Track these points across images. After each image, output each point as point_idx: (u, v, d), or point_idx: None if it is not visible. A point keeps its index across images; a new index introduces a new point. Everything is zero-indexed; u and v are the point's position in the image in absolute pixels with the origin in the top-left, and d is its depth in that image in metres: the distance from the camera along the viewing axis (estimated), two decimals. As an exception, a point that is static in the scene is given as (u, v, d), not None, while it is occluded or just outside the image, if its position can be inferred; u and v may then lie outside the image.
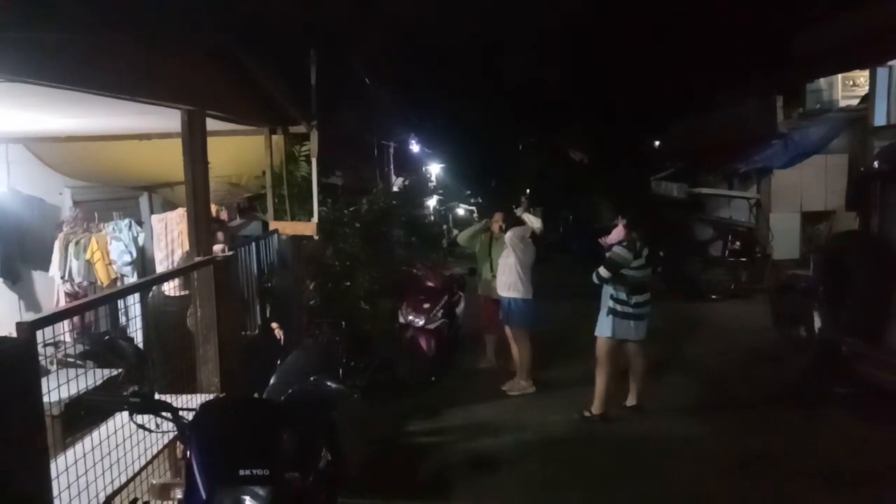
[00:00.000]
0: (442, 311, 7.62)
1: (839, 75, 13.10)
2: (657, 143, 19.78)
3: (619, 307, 5.96)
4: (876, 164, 6.57)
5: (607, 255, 6.03)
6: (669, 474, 5.00)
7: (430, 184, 20.05)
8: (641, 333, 6.07)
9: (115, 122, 5.33)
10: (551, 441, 5.74)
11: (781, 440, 5.58)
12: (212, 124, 4.88)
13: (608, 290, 6.03)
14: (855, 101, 12.93)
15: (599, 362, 6.10)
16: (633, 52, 15.14)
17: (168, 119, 4.61)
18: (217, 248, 4.99)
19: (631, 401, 6.28)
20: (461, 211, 26.34)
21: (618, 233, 6.11)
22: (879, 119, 11.33)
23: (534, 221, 7.15)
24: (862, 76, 12.74)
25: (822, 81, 13.38)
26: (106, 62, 3.54)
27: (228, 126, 5.99)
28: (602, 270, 5.94)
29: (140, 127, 5.85)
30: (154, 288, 5.70)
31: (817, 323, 6.89)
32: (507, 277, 6.90)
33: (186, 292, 4.87)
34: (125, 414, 3.01)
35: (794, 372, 7.14)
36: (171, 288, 5.86)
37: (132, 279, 6.62)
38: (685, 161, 15.63)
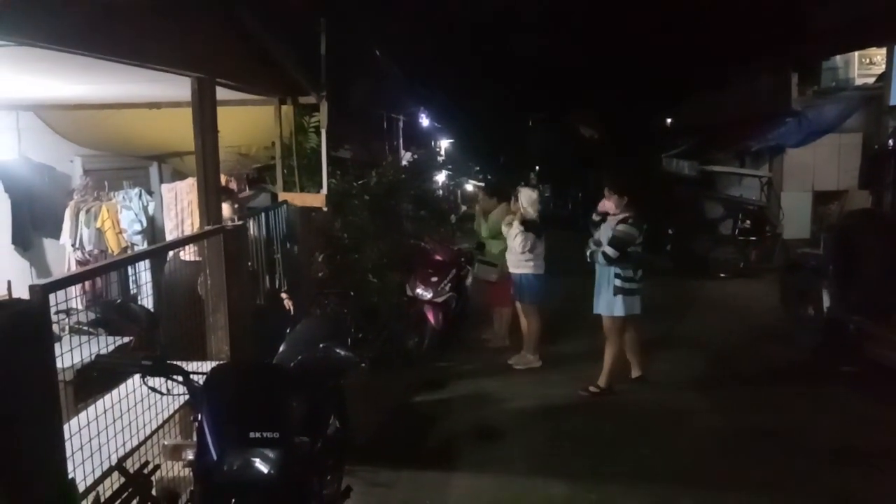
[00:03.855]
0: (450, 284, 7.63)
1: (856, 53, 12.91)
2: (669, 119, 19.60)
3: (626, 285, 5.86)
4: (891, 142, 6.51)
5: (612, 234, 5.84)
6: (675, 448, 5.04)
7: (440, 158, 19.97)
8: (640, 308, 6.03)
9: (125, 89, 5.32)
10: (557, 413, 5.78)
11: (787, 417, 5.60)
12: (222, 94, 4.86)
13: (611, 269, 5.90)
14: (871, 80, 12.77)
15: (610, 340, 6.07)
16: (647, 26, 14.94)
17: (178, 87, 4.60)
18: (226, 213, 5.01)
19: (636, 372, 6.31)
20: (469, 187, 26.32)
21: (608, 204, 5.99)
22: (895, 98, 11.18)
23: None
24: (879, 54, 12.56)
25: (838, 59, 13.21)
26: (116, 27, 3.52)
27: (238, 96, 5.97)
28: (609, 250, 5.78)
29: (150, 95, 5.84)
30: (170, 254, 5.73)
31: (826, 302, 6.86)
32: (513, 254, 6.90)
33: (200, 259, 4.89)
34: (137, 379, 3.05)
35: (801, 350, 7.14)
36: (188, 253, 5.88)
37: (142, 248, 6.65)
38: (697, 138, 15.51)
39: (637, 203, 5.98)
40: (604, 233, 6.01)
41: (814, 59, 13.06)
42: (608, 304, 5.98)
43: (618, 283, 5.88)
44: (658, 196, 14.83)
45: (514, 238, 6.76)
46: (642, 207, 6.00)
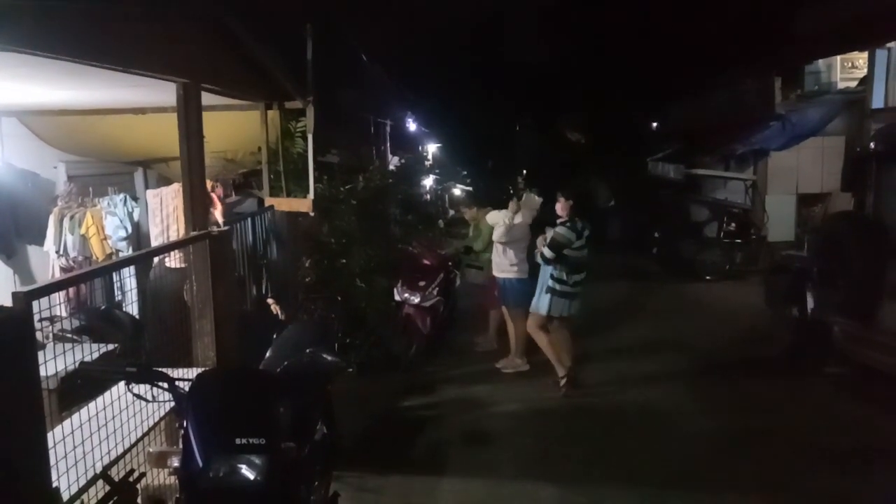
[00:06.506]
0: (437, 288, 7.64)
1: (838, 57, 13.04)
2: (655, 124, 19.71)
3: (558, 286, 6.10)
4: (872, 145, 6.58)
5: (551, 235, 6.13)
6: (663, 449, 5.07)
7: (427, 163, 19.97)
8: (574, 310, 6.26)
9: (109, 95, 5.29)
10: (545, 416, 5.80)
11: (774, 418, 5.65)
12: (207, 99, 4.85)
13: (549, 270, 6.14)
14: (853, 83, 12.90)
15: (535, 336, 6.34)
16: (632, 31, 15.05)
17: (163, 93, 4.58)
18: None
19: (560, 373, 6.33)
20: (457, 191, 26.36)
21: (560, 208, 6.20)
22: (877, 101, 11.29)
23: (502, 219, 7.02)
24: (861, 58, 12.68)
25: (821, 63, 13.33)
26: (100, 32, 3.50)
27: (224, 101, 5.95)
28: (546, 251, 6.05)
29: (135, 101, 5.81)
30: (155, 261, 5.69)
31: (810, 303, 6.93)
32: (499, 258, 6.93)
33: (185, 265, 4.87)
34: (122, 386, 3.03)
35: (786, 352, 7.19)
36: (175, 259, 5.85)
37: (127, 254, 6.61)
38: (682, 142, 15.61)
39: (581, 209, 6.22)
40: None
41: (797, 64, 13.18)
42: (537, 300, 6.24)
43: (550, 283, 6.12)
44: (643, 199, 14.96)
45: (498, 228, 6.81)
46: (585, 213, 6.25)
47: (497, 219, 6.96)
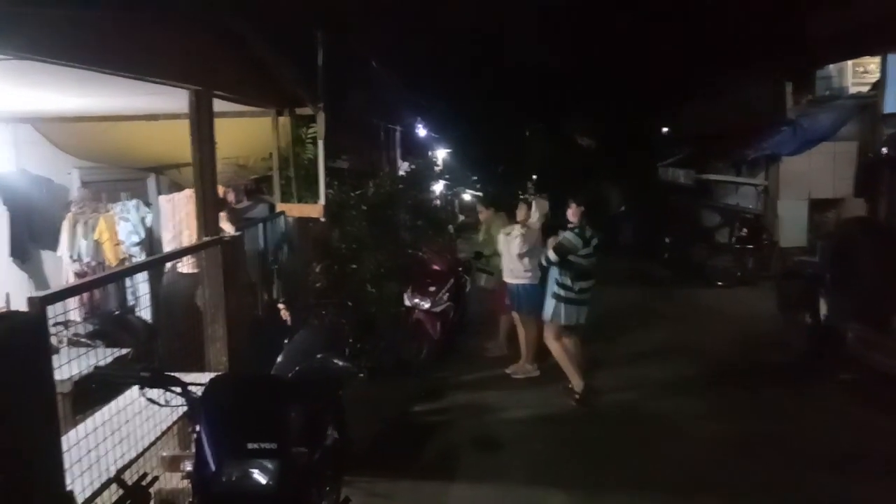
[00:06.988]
0: (448, 294, 7.64)
1: (849, 62, 12.96)
2: (665, 129, 19.66)
3: (562, 292, 6.11)
4: (884, 150, 6.54)
5: (558, 239, 6.13)
6: (671, 455, 5.04)
7: (437, 168, 20.00)
8: (582, 318, 6.25)
9: (122, 102, 5.35)
10: (555, 422, 5.78)
11: (787, 424, 5.61)
12: (219, 105, 4.89)
13: (554, 275, 6.18)
14: (865, 88, 12.80)
15: (551, 346, 6.31)
16: (642, 35, 15.03)
17: (175, 100, 4.63)
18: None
19: (576, 384, 6.30)
20: (467, 197, 26.37)
21: (571, 213, 6.21)
22: (889, 106, 11.21)
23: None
24: (872, 63, 12.59)
25: (832, 68, 13.23)
26: (113, 40, 3.55)
27: (236, 107, 6.00)
28: (550, 254, 6.09)
29: (148, 107, 5.87)
30: (168, 266, 5.73)
31: (823, 309, 6.88)
32: (510, 264, 6.92)
33: (198, 270, 4.91)
34: (135, 391, 3.05)
35: (798, 358, 7.14)
36: (187, 264, 5.88)
37: (140, 259, 6.66)
38: (693, 147, 15.56)
39: (593, 215, 6.22)
40: None
41: (809, 68, 13.11)
42: (546, 307, 6.26)
43: (555, 288, 6.15)
44: (654, 205, 14.91)
45: (515, 239, 6.78)
46: (596, 220, 6.27)
47: (506, 237, 6.97)
